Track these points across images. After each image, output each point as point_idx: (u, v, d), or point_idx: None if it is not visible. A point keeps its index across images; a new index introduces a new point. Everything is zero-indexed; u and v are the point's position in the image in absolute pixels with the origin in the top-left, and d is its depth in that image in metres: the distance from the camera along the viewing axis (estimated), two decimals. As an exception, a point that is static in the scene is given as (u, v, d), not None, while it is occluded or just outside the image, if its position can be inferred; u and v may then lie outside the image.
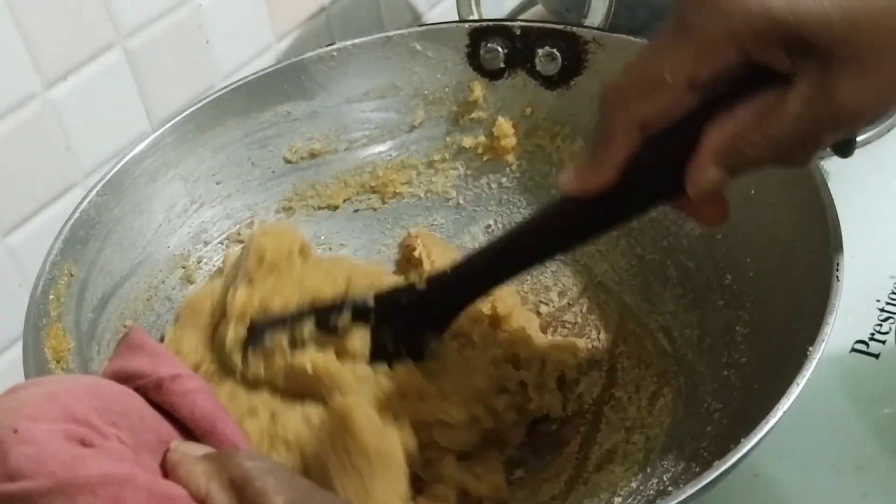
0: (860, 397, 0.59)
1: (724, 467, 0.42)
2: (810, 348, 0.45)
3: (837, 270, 0.48)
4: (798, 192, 0.54)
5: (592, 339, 0.63)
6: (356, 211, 0.69)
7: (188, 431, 0.37)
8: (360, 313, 0.54)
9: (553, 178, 0.67)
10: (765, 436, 0.43)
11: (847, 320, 0.46)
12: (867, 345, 0.62)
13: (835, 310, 0.46)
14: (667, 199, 0.47)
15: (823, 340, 0.45)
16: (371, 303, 0.54)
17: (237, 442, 0.37)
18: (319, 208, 0.68)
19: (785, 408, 0.43)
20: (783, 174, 0.55)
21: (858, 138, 0.70)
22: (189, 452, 0.36)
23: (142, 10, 0.67)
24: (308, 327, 0.53)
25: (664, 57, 0.41)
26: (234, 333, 0.53)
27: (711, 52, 0.39)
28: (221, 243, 0.65)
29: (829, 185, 0.51)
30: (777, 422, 0.43)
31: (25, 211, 0.64)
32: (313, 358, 0.52)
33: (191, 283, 0.63)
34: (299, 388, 0.52)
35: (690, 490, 0.43)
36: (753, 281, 0.56)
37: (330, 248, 0.68)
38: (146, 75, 0.68)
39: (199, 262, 0.64)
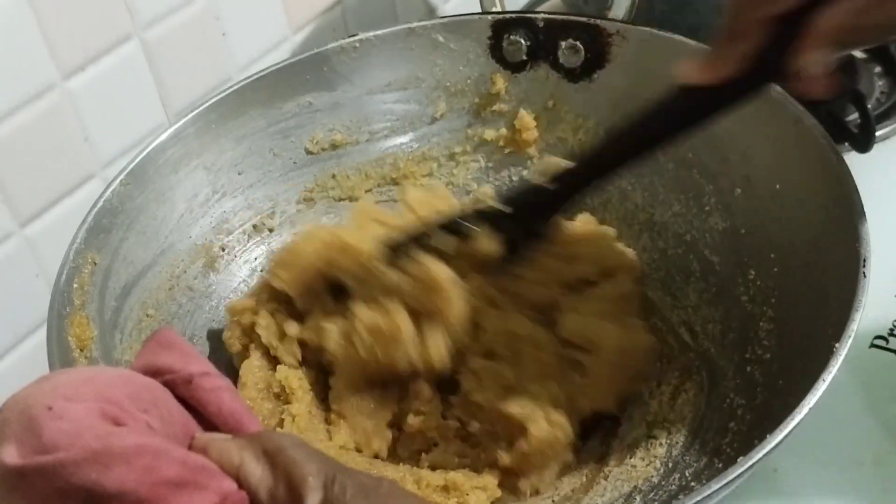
0: (879, 392, 0.59)
1: (748, 464, 0.42)
2: (836, 344, 0.45)
3: (864, 267, 0.48)
4: (825, 187, 0.53)
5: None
6: (377, 202, 0.68)
7: (214, 429, 0.38)
8: (490, 218, 0.56)
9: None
10: (789, 433, 0.43)
11: (867, 315, 0.46)
12: (886, 340, 0.61)
13: (861, 306, 0.46)
14: (777, 81, 0.51)
15: (850, 337, 0.45)
16: (504, 208, 0.56)
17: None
18: (340, 199, 0.68)
19: (810, 404, 0.43)
20: (811, 170, 0.55)
21: (878, 133, 0.70)
22: (218, 437, 0.37)
23: (159, 2, 0.67)
24: (441, 237, 0.56)
25: None
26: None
27: None
28: (244, 233, 0.65)
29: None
30: (801, 419, 0.43)
31: (43, 201, 0.64)
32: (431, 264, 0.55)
33: (213, 272, 0.63)
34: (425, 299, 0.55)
35: (714, 486, 0.43)
36: (778, 276, 0.56)
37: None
38: (163, 67, 0.68)
39: (222, 251, 0.64)
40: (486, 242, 0.56)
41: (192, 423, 0.37)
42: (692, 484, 0.50)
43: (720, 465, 0.49)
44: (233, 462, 0.35)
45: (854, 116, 0.62)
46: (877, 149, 0.61)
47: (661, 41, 0.63)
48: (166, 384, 0.37)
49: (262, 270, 0.65)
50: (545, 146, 0.68)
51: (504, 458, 0.54)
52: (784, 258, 0.56)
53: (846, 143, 0.61)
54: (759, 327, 0.55)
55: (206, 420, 0.37)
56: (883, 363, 0.60)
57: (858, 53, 0.80)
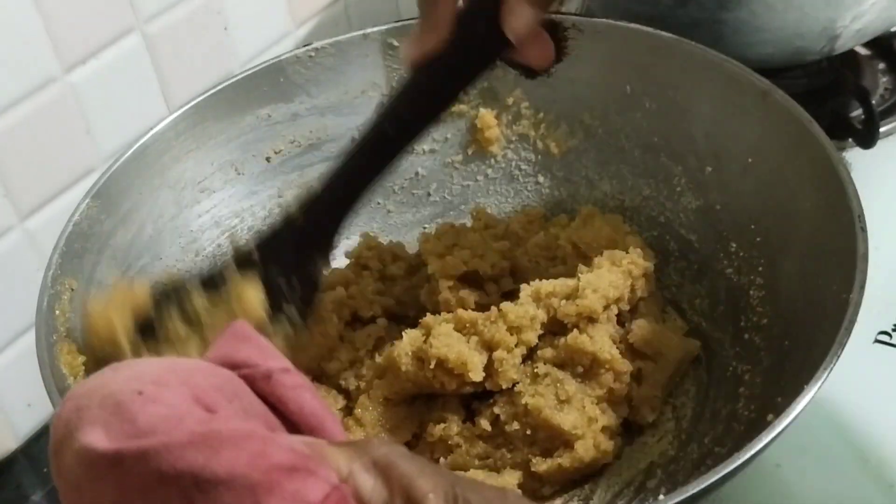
0: (883, 388, 0.59)
1: (788, 420, 0.42)
2: (850, 295, 0.46)
3: (860, 222, 0.49)
4: (800, 153, 0.55)
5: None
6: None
7: (291, 428, 0.36)
8: (244, 261, 0.51)
9: (538, 166, 0.68)
10: (823, 382, 0.43)
11: (871, 311, 0.46)
12: (891, 336, 0.62)
13: (865, 257, 0.47)
14: (500, 52, 0.52)
15: (861, 286, 0.46)
16: (252, 245, 0.52)
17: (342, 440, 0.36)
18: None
19: (838, 355, 0.44)
20: (783, 139, 0.56)
21: (882, 129, 0.71)
22: (307, 440, 0.35)
23: None
24: (197, 295, 0.49)
25: None
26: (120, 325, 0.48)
27: None
28: (213, 253, 0.63)
29: (852, 175, 0.51)
30: (828, 373, 0.44)
31: (44, 194, 0.63)
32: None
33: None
34: None
35: (744, 456, 0.42)
36: (762, 245, 0.57)
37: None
38: (165, 61, 0.67)
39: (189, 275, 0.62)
40: (248, 294, 0.49)
41: (273, 420, 0.35)
42: (716, 450, 0.50)
43: (742, 428, 0.50)
44: (340, 469, 0.32)
45: (858, 112, 0.63)
46: (880, 145, 0.62)
47: (617, 31, 0.64)
48: (244, 378, 0.35)
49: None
50: (507, 143, 0.68)
51: (540, 464, 0.52)
52: (766, 228, 0.57)
53: (850, 139, 0.62)
54: (749, 296, 0.56)
55: (286, 418, 0.35)
56: (887, 359, 0.61)
57: (862, 50, 0.81)
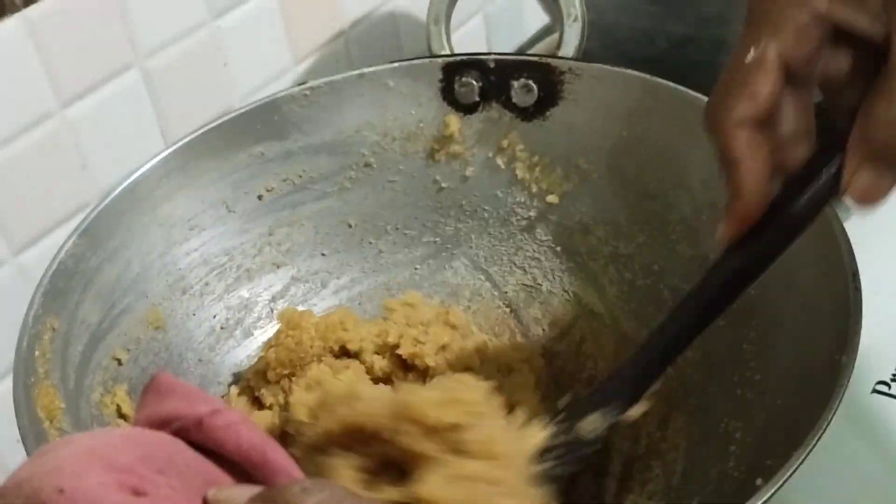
0: (881, 440, 0.58)
1: (782, 481, 0.42)
2: (843, 357, 0.45)
3: (854, 281, 0.48)
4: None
5: (589, 368, 0.62)
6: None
7: (235, 468, 0.35)
8: None
9: (533, 210, 0.67)
10: (815, 444, 0.42)
11: (868, 360, 0.45)
12: (889, 386, 0.61)
13: (860, 319, 0.46)
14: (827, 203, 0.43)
15: (855, 348, 0.45)
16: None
17: (290, 470, 0.35)
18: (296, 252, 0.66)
19: (834, 407, 0.43)
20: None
21: None
22: (233, 495, 0.34)
23: (161, 31, 0.66)
24: None
25: (752, 49, 0.39)
26: None
27: (801, 32, 0.39)
28: (200, 291, 0.62)
29: (849, 220, 0.50)
30: (818, 439, 0.43)
31: (39, 230, 0.63)
32: None
33: (173, 331, 0.60)
34: None
35: None
36: (755, 298, 0.55)
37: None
38: (164, 96, 0.67)
39: (179, 310, 0.61)
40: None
41: (213, 471, 0.34)
42: (704, 511, 0.49)
43: (731, 490, 0.49)
44: None
45: None
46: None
47: (614, 76, 0.63)
48: (176, 433, 0.35)
49: (221, 328, 0.63)
50: (502, 186, 0.68)
51: None
52: (760, 280, 0.56)
53: None
54: (742, 350, 0.55)
55: (228, 460, 0.35)
56: (886, 409, 0.59)
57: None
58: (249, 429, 0.35)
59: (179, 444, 0.35)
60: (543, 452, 0.47)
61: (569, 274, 0.66)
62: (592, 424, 0.48)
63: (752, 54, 0.40)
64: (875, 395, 0.61)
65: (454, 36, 0.71)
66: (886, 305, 0.49)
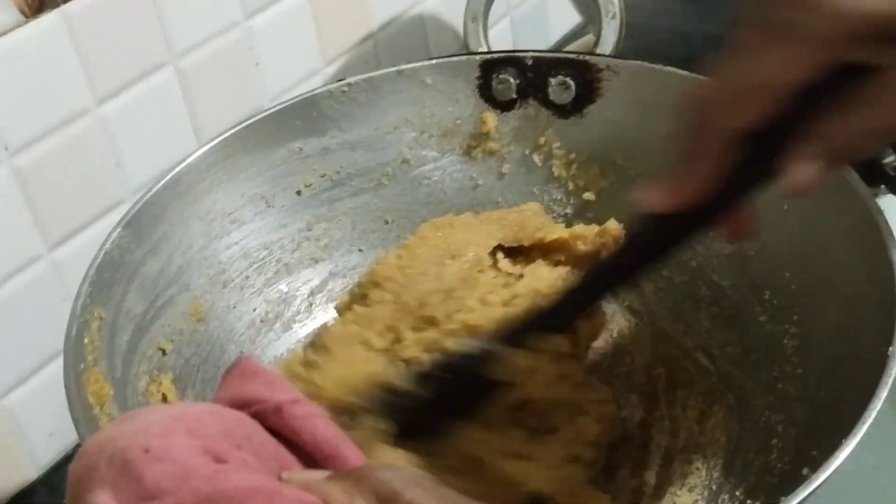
0: None
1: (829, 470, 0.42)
2: (890, 348, 0.45)
3: (899, 269, 0.48)
4: (837, 200, 0.54)
5: (626, 364, 0.62)
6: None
7: (308, 458, 0.35)
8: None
9: (570, 207, 0.67)
10: (857, 442, 0.43)
11: None
12: None
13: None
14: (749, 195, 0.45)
15: (901, 339, 0.45)
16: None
17: (360, 465, 0.35)
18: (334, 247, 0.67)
19: (882, 397, 0.43)
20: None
21: None
22: (309, 476, 0.34)
23: (194, 31, 0.67)
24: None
25: (758, 63, 0.40)
26: None
27: (808, 52, 0.39)
28: (240, 285, 0.63)
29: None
30: (867, 426, 0.43)
31: (73, 226, 0.63)
32: None
33: (215, 323, 0.60)
34: None
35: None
36: (796, 294, 0.56)
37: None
38: (196, 95, 0.68)
39: (220, 302, 0.61)
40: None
41: (287, 456, 0.35)
42: (748, 502, 0.49)
43: (775, 481, 0.49)
44: None
45: (892, 159, 0.63)
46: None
47: (652, 73, 0.63)
48: (255, 415, 0.35)
49: (261, 322, 0.63)
50: (539, 183, 0.68)
51: None
52: (800, 276, 0.56)
53: (882, 186, 0.62)
54: (783, 345, 0.55)
55: (301, 449, 0.35)
56: None
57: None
58: (326, 423, 0.36)
59: (257, 426, 0.35)
60: None
61: (605, 270, 0.66)
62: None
63: (763, 72, 0.40)
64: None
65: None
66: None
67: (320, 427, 0.35)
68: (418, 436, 0.48)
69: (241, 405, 0.35)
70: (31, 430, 0.65)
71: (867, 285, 0.50)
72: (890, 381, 0.44)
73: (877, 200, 0.55)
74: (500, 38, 0.94)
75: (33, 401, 0.64)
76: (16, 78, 0.58)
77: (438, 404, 0.50)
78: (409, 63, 0.67)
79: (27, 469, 0.65)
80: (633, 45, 0.73)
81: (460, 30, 0.77)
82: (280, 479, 0.34)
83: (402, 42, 0.84)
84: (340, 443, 0.35)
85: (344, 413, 0.48)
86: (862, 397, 0.44)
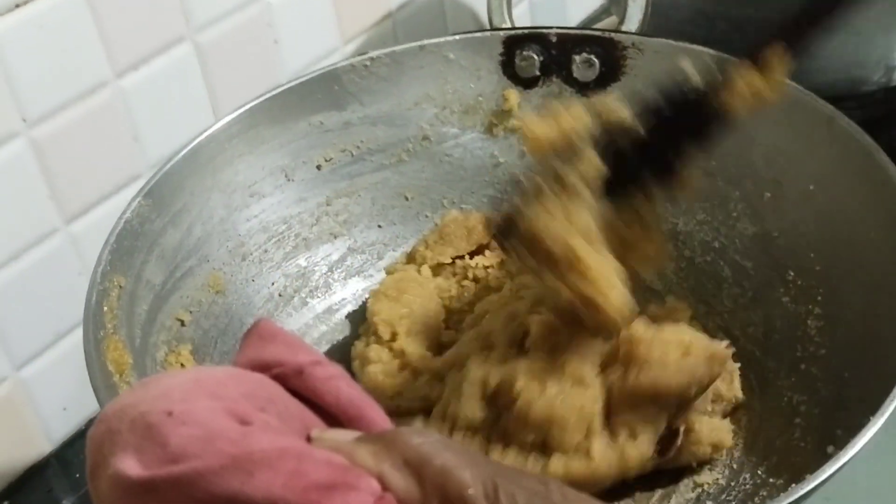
0: None
1: (850, 454, 0.41)
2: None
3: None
4: (863, 182, 0.54)
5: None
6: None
7: (332, 420, 0.35)
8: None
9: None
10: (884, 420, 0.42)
11: None
12: None
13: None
14: None
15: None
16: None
17: (384, 427, 0.35)
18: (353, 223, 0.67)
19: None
20: (847, 168, 0.55)
21: None
22: (338, 435, 0.34)
23: (214, 5, 0.66)
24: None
25: None
26: None
27: None
28: (259, 258, 0.63)
29: None
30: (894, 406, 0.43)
31: (89, 199, 0.63)
32: None
33: (233, 295, 0.60)
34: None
35: (807, 487, 0.41)
36: (821, 274, 0.56)
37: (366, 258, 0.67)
38: (214, 70, 0.67)
39: (239, 275, 0.61)
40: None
41: (311, 417, 0.34)
42: (770, 480, 0.49)
43: (798, 460, 0.48)
44: (371, 472, 0.31)
45: None
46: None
47: (677, 51, 0.63)
48: (276, 378, 0.34)
49: (279, 296, 0.63)
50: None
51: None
52: (826, 257, 0.56)
53: None
54: (807, 325, 0.55)
55: (324, 411, 0.35)
56: None
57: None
58: (349, 384, 0.35)
59: (280, 389, 0.35)
60: None
61: (626, 250, 0.65)
62: None
63: None
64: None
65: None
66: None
67: (343, 388, 0.35)
68: (623, 187, 0.50)
69: (261, 368, 0.35)
70: (46, 404, 0.65)
71: (892, 267, 0.50)
72: (918, 360, 0.44)
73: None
74: (520, 19, 0.93)
75: (48, 374, 0.64)
76: (35, 49, 0.58)
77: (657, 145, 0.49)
78: (431, 38, 0.66)
79: (41, 443, 0.65)
80: (658, 26, 0.72)
81: (479, 10, 0.76)
82: (307, 439, 0.34)
83: (421, 21, 0.83)
84: (364, 404, 0.35)
85: (557, 157, 0.49)
86: (887, 378, 0.44)
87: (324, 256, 0.65)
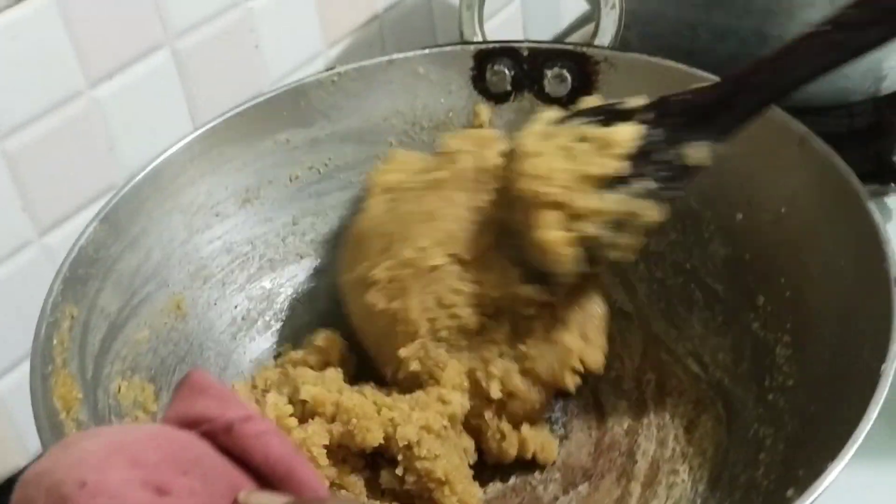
0: None
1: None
2: (883, 365, 0.43)
3: (894, 288, 0.46)
4: (836, 207, 0.53)
5: (616, 368, 0.60)
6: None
7: (260, 478, 0.34)
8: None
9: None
10: (844, 465, 0.41)
11: None
12: None
13: (899, 326, 0.45)
14: None
15: (893, 357, 0.44)
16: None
17: (315, 487, 0.34)
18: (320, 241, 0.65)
19: (872, 417, 0.41)
20: (819, 191, 0.54)
21: None
22: (265, 499, 0.33)
23: (192, 11, 0.65)
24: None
25: None
26: None
27: None
28: (222, 280, 0.62)
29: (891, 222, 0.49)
30: (855, 447, 0.41)
31: (64, 211, 0.62)
32: None
33: (194, 321, 0.59)
34: None
35: None
36: (791, 301, 0.54)
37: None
38: (193, 78, 0.66)
39: (196, 302, 0.60)
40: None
41: (238, 477, 0.33)
42: (732, 520, 0.48)
43: (759, 500, 0.47)
44: None
45: None
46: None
47: (650, 67, 0.61)
48: (205, 435, 0.34)
49: (242, 319, 0.62)
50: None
51: None
52: (796, 283, 0.54)
53: (893, 184, 0.60)
54: (775, 354, 0.54)
55: (254, 468, 0.34)
56: None
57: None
58: (280, 441, 0.35)
59: (207, 447, 0.34)
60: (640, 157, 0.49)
61: (598, 270, 0.64)
62: (700, 153, 0.50)
63: None
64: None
65: (490, 23, 0.69)
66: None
67: (273, 446, 0.34)
68: None
69: (190, 424, 0.34)
70: (21, 417, 0.64)
71: (864, 298, 0.48)
72: (881, 401, 0.42)
73: (885, 199, 0.54)
74: (510, 22, 0.92)
75: (23, 387, 0.61)
76: (6, 59, 0.57)
77: None
78: (401, 52, 0.65)
79: (16, 456, 0.65)
80: (639, 34, 0.71)
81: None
82: (236, 501, 0.33)
83: (408, 25, 0.82)
84: (294, 462, 0.34)
85: None
86: (853, 415, 0.43)
87: (289, 278, 0.64)
